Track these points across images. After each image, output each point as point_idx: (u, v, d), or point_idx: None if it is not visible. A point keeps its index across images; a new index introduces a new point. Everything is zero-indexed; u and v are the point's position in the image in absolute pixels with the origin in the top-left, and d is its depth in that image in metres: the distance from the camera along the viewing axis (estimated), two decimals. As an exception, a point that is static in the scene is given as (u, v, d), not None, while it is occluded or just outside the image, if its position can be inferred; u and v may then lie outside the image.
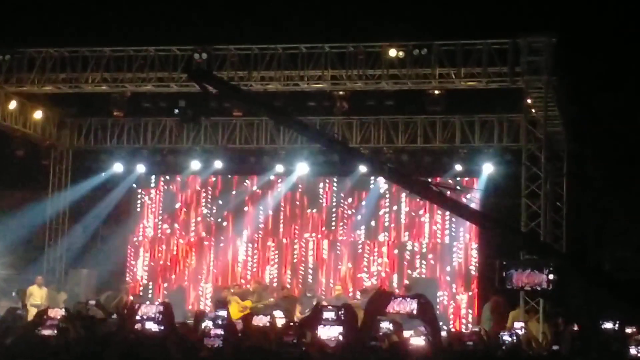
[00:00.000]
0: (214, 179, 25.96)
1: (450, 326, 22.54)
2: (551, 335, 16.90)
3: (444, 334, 10.48)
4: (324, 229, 25.29)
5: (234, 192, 25.94)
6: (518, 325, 15.47)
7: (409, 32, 20.97)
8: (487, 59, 20.26)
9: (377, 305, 5.55)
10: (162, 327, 7.68)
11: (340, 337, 6.98)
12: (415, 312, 5.48)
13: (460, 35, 20.56)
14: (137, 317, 7.19)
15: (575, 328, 11.87)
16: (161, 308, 6.73)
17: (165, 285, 25.75)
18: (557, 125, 22.09)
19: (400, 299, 5.49)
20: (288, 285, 24.25)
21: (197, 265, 25.80)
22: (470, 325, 23.15)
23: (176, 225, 26.17)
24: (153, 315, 6.90)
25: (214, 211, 25.96)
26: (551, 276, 14.96)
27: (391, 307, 5.56)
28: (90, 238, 25.66)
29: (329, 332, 7.08)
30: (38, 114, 24.26)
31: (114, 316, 13.29)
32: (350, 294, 23.85)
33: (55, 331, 8.64)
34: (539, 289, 15.40)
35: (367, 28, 22.46)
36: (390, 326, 9.75)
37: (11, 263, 24.56)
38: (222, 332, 10.22)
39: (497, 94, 21.39)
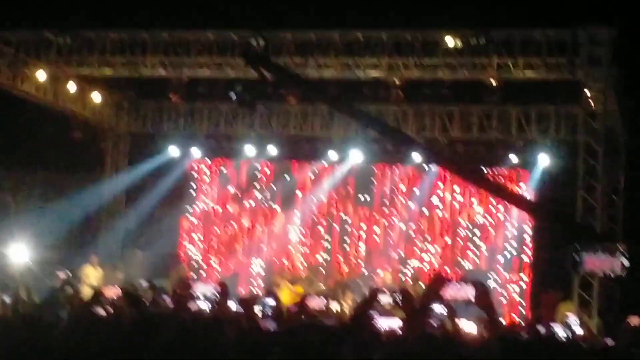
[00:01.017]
0: (267, 164, 26.04)
1: (503, 319, 22.42)
2: (604, 329, 16.73)
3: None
4: (376, 216, 25.27)
5: (287, 178, 26.00)
6: (573, 318, 15.28)
7: (467, 20, 20.82)
8: (546, 49, 20.02)
9: (434, 290, 5.49)
10: (217, 307, 7.74)
11: (400, 331, 6.93)
12: (472, 299, 5.40)
13: (519, 24, 20.36)
14: (193, 295, 7.20)
15: (633, 323, 11.71)
16: (218, 288, 6.73)
17: (219, 269, 25.92)
18: (616, 118, 21.80)
19: (458, 284, 5.43)
20: (341, 271, 24.27)
21: (249, 249, 25.93)
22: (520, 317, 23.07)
23: (229, 210, 26.33)
24: (209, 295, 6.91)
25: (267, 196, 26.06)
26: (625, 261, 14.75)
27: (448, 292, 5.49)
28: (145, 220, 25.92)
29: (389, 323, 7.05)
30: (96, 97, 24.51)
31: (166, 297, 13.40)
32: (402, 284, 23.76)
33: (110, 310, 8.70)
34: (612, 275, 15.16)
35: (424, 16, 22.33)
36: (444, 311, 9.71)
37: (62, 246, 24.80)
38: (275, 319, 10.25)
39: (555, 85, 21.14)
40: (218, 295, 7.14)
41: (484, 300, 5.45)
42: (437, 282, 5.65)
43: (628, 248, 16.53)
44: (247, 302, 9.10)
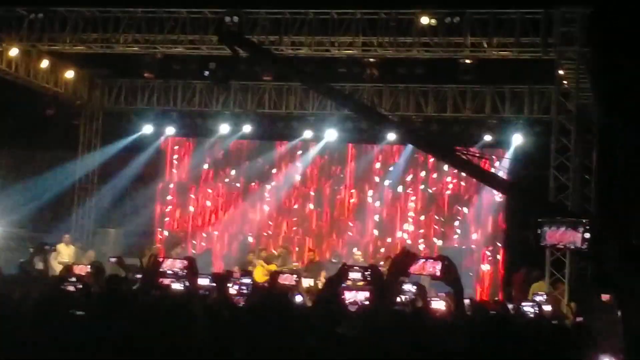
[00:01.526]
0: (242, 142, 26.00)
1: (475, 296, 22.55)
2: (575, 307, 16.86)
3: (467, 301, 10.47)
4: (351, 195, 25.33)
5: (261, 157, 26.00)
6: (540, 294, 15.39)
7: (442, -1, 20.82)
8: (519, 29, 20.06)
9: (401, 266, 5.53)
10: (187, 284, 7.75)
11: (367, 302, 6.98)
12: (438, 273, 5.44)
13: (493, 4, 20.38)
14: (162, 271, 7.16)
15: (603, 298, 11.84)
16: (185, 263, 6.70)
17: (193, 246, 25.91)
18: (588, 97, 21.91)
19: (424, 260, 5.47)
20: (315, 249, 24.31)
21: (223, 228, 25.94)
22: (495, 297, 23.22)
23: (204, 188, 26.31)
24: (177, 270, 6.86)
25: (242, 175, 26.06)
26: (587, 235, 14.86)
27: (414, 268, 5.53)
28: (118, 198, 25.86)
29: (356, 296, 7.10)
30: (69, 74, 24.37)
31: (138, 275, 13.33)
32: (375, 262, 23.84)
33: (79, 286, 8.68)
34: (572, 247, 15.29)
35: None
36: (414, 289, 9.78)
37: (34, 223, 24.67)
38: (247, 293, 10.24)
39: (528, 64, 21.21)
40: (187, 270, 7.12)
41: (450, 274, 5.48)
42: (403, 257, 5.67)
43: (592, 222, 16.67)
44: (221, 278, 9.10)
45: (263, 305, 5.85)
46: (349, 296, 6.89)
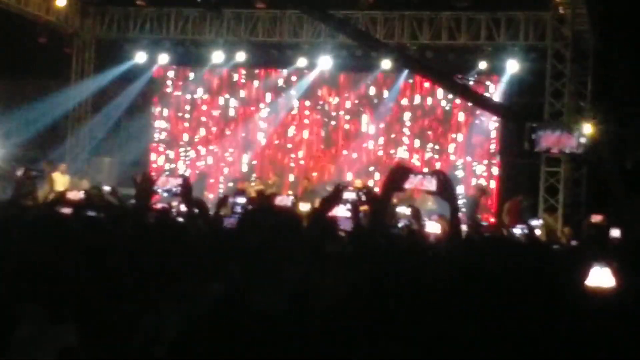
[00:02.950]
0: (236, 70, 25.87)
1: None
2: (570, 231, 16.95)
3: (464, 227, 10.47)
4: (346, 122, 25.29)
5: (255, 84, 25.91)
6: (535, 220, 15.44)
7: None
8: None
9: (395, 180, 5.46)
10: (182, 207, 7.66)
11: (348, 213, 6.88)
12: (434, 188, 5.37)
13: None
14: (156, 190, 7.06)
15: (594, 220, 11.90)
16: (180, 181, 6.60)
17: (187, 174, 25.90)
18: (584, 23, 21.75)
19: (420, 175, 5.39)
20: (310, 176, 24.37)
21: (218, 156, 25.94)
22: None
23: (198, 116, 26.26)
24: (171, 188, 6.77)
25: (236, 102, 26.00)
26: (582, 139, 14.75)
27: (409, 183, 5.46)
28: (112, 127, 25.78)
29: (337, 211, 7.00)
30: (61, 1, 24.04)
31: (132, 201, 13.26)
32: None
33: (73, 210, 8.64)
34: (568, 151, 15.17)
35: None
36: (409, 211, 9.75)
37: (28, 151, 24.59)
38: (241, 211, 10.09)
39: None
40: (181, 189, 7.06)
41: (445, 189, 5.44)
42: (398, 172, 5.62)
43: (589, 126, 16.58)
44: (216, 204, 9.02)
45: (257, 219, 5.78)
46: (338, 212, 6.78)
